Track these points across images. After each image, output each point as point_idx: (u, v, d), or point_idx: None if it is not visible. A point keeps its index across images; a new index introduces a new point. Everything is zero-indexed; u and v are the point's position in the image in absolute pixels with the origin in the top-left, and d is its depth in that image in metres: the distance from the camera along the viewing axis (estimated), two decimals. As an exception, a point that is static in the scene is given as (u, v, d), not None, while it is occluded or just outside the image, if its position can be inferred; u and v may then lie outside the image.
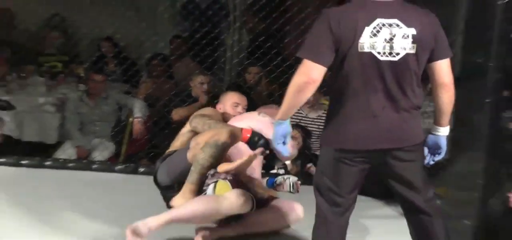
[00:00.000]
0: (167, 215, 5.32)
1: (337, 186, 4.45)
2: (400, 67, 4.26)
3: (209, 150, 5.52)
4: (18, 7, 10.19)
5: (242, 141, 5.70)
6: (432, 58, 4.37)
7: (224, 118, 6.16)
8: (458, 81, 5.64)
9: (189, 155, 5.63)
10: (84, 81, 8.99)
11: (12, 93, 8.91)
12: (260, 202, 5.65)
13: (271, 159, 6.23)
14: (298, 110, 7.90)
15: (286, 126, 4.39)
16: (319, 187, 4.52)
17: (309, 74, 4.16)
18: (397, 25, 4.25)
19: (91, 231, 5.55)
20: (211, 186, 5.52)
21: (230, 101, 6.31)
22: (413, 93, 4.35)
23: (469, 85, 5.51)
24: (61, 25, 10.18)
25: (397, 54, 4.24)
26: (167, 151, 6.03)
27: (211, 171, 5.59)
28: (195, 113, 6.06)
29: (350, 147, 4.35)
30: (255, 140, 5.65)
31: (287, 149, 4.49)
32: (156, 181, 5.89)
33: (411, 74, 4.30)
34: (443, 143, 4.68)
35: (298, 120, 7.84)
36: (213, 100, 8.11)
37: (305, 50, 4.20)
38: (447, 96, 4.53)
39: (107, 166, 7.25)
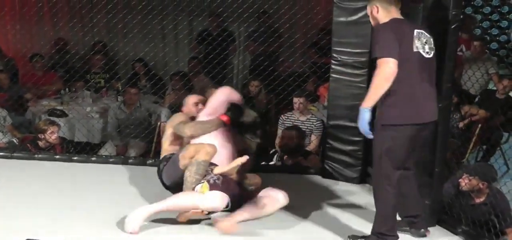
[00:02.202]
0: (160, 205, 5.31)
1: (408, 154, 4.83)
2: (432, 63, 4.79)
3: (193, 168, 5.47)
4: (69, 36, 10.14)
5: (227, 123, 5.81)
6: None
7: (191, 117, 6.06)
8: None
9: (181, 165, 5.58)
10: (121, 94, 8.96)
11: (66, 104, 8.87)
12: (249, 195, 5.57)
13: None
14: (291, 114, 7.88)
15: (370, 114, 4.61)
16: (392, 159, 4.76)
17: (392, 66, 4.49)
18: (423, 33, 4.76)
19: (129, 208, 5.43)
20: (199, 185, 5.43)
21: (191, 102, 6.22)
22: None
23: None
24: (103, 49, 10.13)
25: (429, 53, 4.74)
26: (162, 153, 6.00)
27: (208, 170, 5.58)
28: (175, 124, 5.94)
29: (424, 121, 4.76)
30: (235, 113, 5.84)
31: (369, 132, 4.71)
32: (161, 179, 5.86)
33: (435, 68, 4.85)
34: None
35: (291, 122, 7.80)
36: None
37: (382, 51, 4.53)
38: None
39: (140, 161, 7.18)
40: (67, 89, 9.30)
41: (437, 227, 5.53)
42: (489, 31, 12.23)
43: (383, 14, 4.78)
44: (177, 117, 6.11)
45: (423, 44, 4.71)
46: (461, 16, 5.40)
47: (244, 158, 5.58)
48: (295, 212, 5.70)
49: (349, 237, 5.14)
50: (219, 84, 8.71)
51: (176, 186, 5.65)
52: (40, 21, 10.40)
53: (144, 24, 9.01)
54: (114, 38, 10.43)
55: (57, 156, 7.17)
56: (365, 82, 6.45)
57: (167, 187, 5.81)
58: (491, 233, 5.23)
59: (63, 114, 8.45)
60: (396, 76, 4.54)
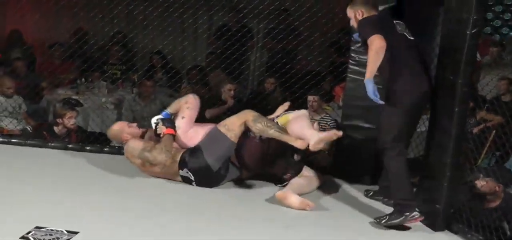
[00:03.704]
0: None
1: (412, 123, 5.57)
2: (415, 44, 5.47)
3: (261, 118, 6.00)
4: (89, 25, 10.14)
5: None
6: None
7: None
8: (434, 93, 5.61)
9: (231, 136, 5.97)
10: (137, 86, 8.97)
11: (81, 93, 8.93)
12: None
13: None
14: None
15: (373, 83, 5.14)
16: (399, 132, 5.38)
17: (380, 40, 5.06)
18: (400, 23, 5.50)
19: (141, 199, 5.55)
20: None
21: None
22: None
23: (442, 97, 5.46)
24: (122, 40, 10.12)
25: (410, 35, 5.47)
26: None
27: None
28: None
29: (425, 89, 5.37)
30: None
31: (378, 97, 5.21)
32: (207, 169, 5.98)
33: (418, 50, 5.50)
34: None
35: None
36: (238, 103, 8.10)
37: (370, 32, 5.12)
38: None
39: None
40: (83, 78, 9.31)
41: (447, 232, 5.50)
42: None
43: (365, 16, 5.44)
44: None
45: (404, 29, 5.45)
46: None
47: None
48: (306, 211, 5.68)
49: (375, 219, 5.44)
50: (235, 80, 8.74)
51: (220, 163, 5.99)
52: (60, 10, 10.39)
53: (164, 17, 8.96)
54: (134, 29, 10.41)
55: (70, 145, 7.18)
56: (381, 83, 6.38)
57: (216, 172, 6.01)
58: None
59: (78, 104, 8.46)
60: (391, 56, 5.22)
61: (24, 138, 7.31)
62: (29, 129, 7.87)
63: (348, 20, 6.65)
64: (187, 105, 6.23)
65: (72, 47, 10.00)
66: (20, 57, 9.64)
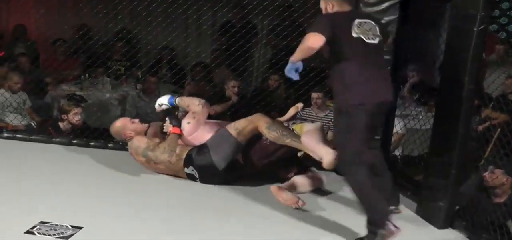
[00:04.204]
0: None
1: (367, 133, 4.96)
2: (377, 48, 5.00)
3: (275, 125, 5.90)
4: (93, 22, 10.13)
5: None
6: None
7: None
8: (439, 91, 5.61)
9: (240, 140, 5.92)
10: (141, 82, 8.97)
11: (85, 89, 8.94)
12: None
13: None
14: (309, 110, 7.84)
15: (294, 64, 4.91)
16: (355, 147, 4.88)
17: (316, 37, 4.73)
18: (367, 22, 5.01)
19: (145, 195, 5.57)
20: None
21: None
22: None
23: (447, 94, 5.46)
24: (126, 36, 10.11)
25: (372, 39, 4.97)
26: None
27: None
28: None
29: (379, 99, 4.92)
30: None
31: (296, 75, 4.95)
32: (213, 168, 5.94)
33: (381, 53, 5.17)
34: None
35: (309, 118, 7.77)
36: (242, 99, 8.10)
37: (313, 28, 4.79)
38: None
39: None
40: (87, 74, 9.30)
41: (450, 230, 5.51)
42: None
43: (336, 9, 5.10)
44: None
45: (365, 31, 4.94)
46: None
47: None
48: (309, 209, 5.69)
49: None
50: (239, 76, 8.73)
51: (226, 164, 5.94)
52: (64, 6, 10.41)
53: (168, 13, 8.96)
54: (137, 26, 10.40)
55: (75, 141, 7.19)
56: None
57: (223, 171, 5.95)
58: (505, 238, 5.17)
59: (82, 100, 8.46)
60: (338, 58, 4.87)
61: (28, 134, 7.31)
62: (33, 124, 7.87)
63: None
64: (196, 115, 6.15)
65: (76, 43, 10.02)
66: (24, 52, 9.65)
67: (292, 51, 8.95)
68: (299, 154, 6.27)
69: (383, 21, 6.33)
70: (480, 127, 8.01)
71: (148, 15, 9.49)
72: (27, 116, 8.24)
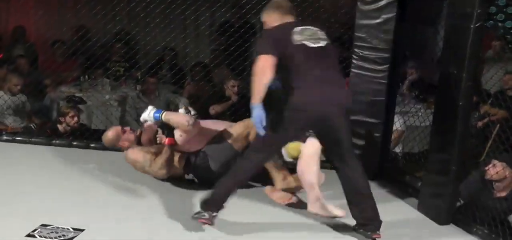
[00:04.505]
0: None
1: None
2: (323, 51, 4.90)
3: None
4: (91, 23, 10.13)
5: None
6: None
7: None
8: (437, 88, 5.63)
9: (237, 147, 5.91)
10: (140, 83, 8.98)
11: (85, 91, 8.93)
12: None
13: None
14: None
15: (261, 109, 4.66)
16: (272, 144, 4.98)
17: (263, 60, 4.64)
18: (309, 28, 4.92)
19: (146, 197, 5.57)
20: (283, 150, 5.80)
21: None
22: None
23: (446, 91, 5.49)
24: (125, 38, 10.11)
25: (317, 42, 4.89)
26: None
27: None
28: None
29: (320, 105, 4.78)
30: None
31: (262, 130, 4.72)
32: (212, 173, 5.91)
33: (331, 55, 4.98)
34: None
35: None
36: (242, 99, 8.12)
37: (258, 50, 4.72)
38: None
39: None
40: (86, 76, 9.31)
41: (452, 226, 5.53)
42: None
43: (278, 23, 5.02)
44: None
45: (308, 36, 4.85)
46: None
47: None
48: (303, 207, 5.71)
49: None
50: (238, 76, 8.74)
51: (224, 170, 5.70)
52: (62, 7, 10.41)
53: (166, 14, 8.97)
54: (136, 27, 10.41)
55: (75, 143, 7.21)
56: (386, 78, 6.46)
57: (216, 173, 5.85)
58: (506, 233, 5.19)
59: (81, 101, 8.48)
60: (283, 69, 4.76)
61: (28, 136, 7.33)
62: (33, 127, 7.89)
63: (352, 14, 6.73)
64: (183, 134, 5.87)
65: (74, 45, 10.03)
66: (22, 54, 9.66)
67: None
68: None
69: (380, 19, 6.40)
70: (480, 123, 8.05)
71: (146, 16, 9.51)
72: (27, 119, 8.25)
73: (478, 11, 5.18)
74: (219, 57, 9.54)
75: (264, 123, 4.66)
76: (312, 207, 5.46)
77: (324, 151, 5.36)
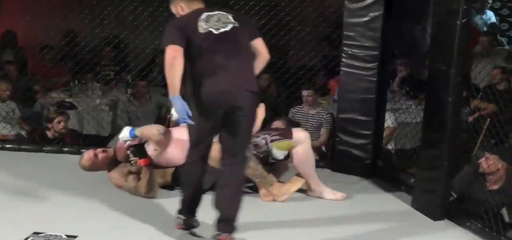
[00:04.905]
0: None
1: (211, 126, 4.77)
2: (231, 36, 4.71)
3: (251, 163, 5.60)
4: (80, 28, 10.13)
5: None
6: (251, 37, 4.83)
7: None
8: (427, 84, 5.67)
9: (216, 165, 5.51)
10: (131, 86, 8.99)
11: (75, 96, 8.91)
12: None
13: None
14: (301, 108, 7.87)
15: (180, 99, 4.54)
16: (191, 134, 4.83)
17: (169, 51, 4.53)
18: (217, 14, 4.74)
19: (137, 201, 5.60)
20: (275, 150, 5.89)
21: None
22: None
23: (435, 88, 5.53)
24: (114, 41, 10.10)
25: (223, 27, 4.71)
26: None
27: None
28: None
29: (217, 89, 4.62)
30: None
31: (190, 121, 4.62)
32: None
33: (238, 39, 4.76)
34: None
35: (301, 116, 7.81)
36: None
37: (164, 41, 4.62)
38: (264, 64, 4.97)
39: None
40: (76, 81, 9.30)
41: (446, 221, 5.55)
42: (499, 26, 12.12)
43: (186, 11, 4.89)
44: None
45: (214, 22, 4.69)
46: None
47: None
48: (304, 206, 5.78)
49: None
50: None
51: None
52: (51, 12, 10.39)
53: (155, 17, 8.98)
54: (124, 30, 10.41)
55: (66, 149, 7.22)
56: (375, 75, 6.50)
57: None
58: (499, 226, 5.23)
59: (72, 106, 8.48)
60: (190, 60, 4.64)
61: (18, 143, 7.33)
62: (23, 133, 7.88)
63: (340, 13, 6.76)
64: (157, 147, 5.86)
65: (63, 50, 10.01)
66: (11, 60, 9.63)
67: (280, 50, 9.09)
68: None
69: (368, 17, 6.43)
70: (470, 118, 8.08)
71: (134, 19, 9.52)
72: (17, 126, 8.23)
73: (464, 7, 5.22)
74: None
75: (190, 113, 4.56)
76: (315, 193, 5.97)
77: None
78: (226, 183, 4.77)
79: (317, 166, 6.46)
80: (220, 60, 4.65)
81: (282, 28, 8.86)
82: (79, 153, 7.01)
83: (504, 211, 5.64)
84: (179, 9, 4.89)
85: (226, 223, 4.76)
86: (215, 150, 5.31)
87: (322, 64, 9.26)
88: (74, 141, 7.73)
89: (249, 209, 5.19)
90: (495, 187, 5.72)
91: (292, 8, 8.58)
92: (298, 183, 5.91)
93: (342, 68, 6.68)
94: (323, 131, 7.83)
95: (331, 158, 7.06)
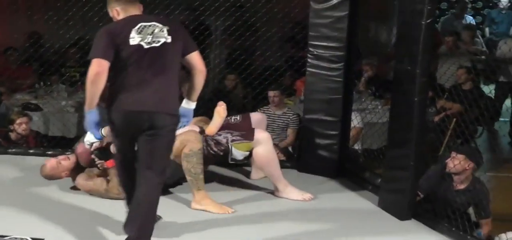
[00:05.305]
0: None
1: (124, 143, 4.77)
2: (160, 51, 4.58)
3: (194, 159, 5.61)
4: (44, 29, 10.06)
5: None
6: (186, 51, 4.71)
7: None
8: (392, 84, 5.72)
9: (178, 161, 5.70)
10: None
11: (40, 97, 8.85)
12: None
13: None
14: (267, 108, 7.89)
15: (95, 114, 4.52)
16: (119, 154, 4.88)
17: (94, 66, 4.42)
18: (152, 25, 4.60)
19: (104, 204, 5.54)
20: (234, 151, 5.88)
21: None
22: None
23: (401, 88, 5.54)
24: (78, 42, 10.04)
25: (154, 43, 4.56)
26: None
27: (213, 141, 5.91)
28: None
29: (134, 108, 4.55)
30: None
31: (100, 133, 4.75)
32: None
33: (167, 56, 4.63)
34: (191, 114, 4.93)
35: (267, 116, 7.80)
36: (199, 101, 8.09)
37: (91, 53, 4.48)
38: (202, 79, 4.84)
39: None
40: (41, 83, 9.24)
41: (413, 221, 5.57)
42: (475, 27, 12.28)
43: (122, 15, 4.74)
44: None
45: (146, 35, 4.56)
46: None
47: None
48: (271, 207, 5.79)
49: None
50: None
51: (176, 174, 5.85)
52: (14, 13, 10.31)
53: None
54: (90, 31, 10.34)
55: (31, 151, 7.15)
56: (341, 76, 6.51)
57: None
58: (466, 226, 5.28)
59: (37, 108, 8.42)
60: (115, 70, 4.52)
61: (-18, 146, 7.28)
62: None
63: (305, 13, 6.78)
64: None
65: (27, 51, 9.95)
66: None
67: (246, 50, 9.10)
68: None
69: (333, 18, 6.46)
70: (436, 118, 8.17)
71: (99, 20, 9.47)
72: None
73: (428, 7, 5.25)
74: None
75: (99, 127, 4.59)
76: (282, 194, 5.96)
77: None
78: (137, 203, 4.66)
79: (284, 167, 6.47)
80: (144, 77, 4.54)
81: (248, 29, 8.88)
82: (45, 155, 6.98)
83: (471, 211, 5.70)
84: (115, 13, 4.75)
85: None
86: (178, 148, 5.52)
87: (288, 65, 9.30)
88: (39, 143, 7.68)
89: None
90: (462, 187, 5.77)
91: (258, 8, 8.59)
92: (221, 210, 5.66)
93: (308, 69, 6.68)
94: (290, 131, 7.84)
95: (298, 158, 7.06)
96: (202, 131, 5.97)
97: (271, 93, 7.87)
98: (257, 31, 9.26)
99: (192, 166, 5.61)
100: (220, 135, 5.93)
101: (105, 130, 5.62)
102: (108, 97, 4.60)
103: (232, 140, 5.89)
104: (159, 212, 4.92)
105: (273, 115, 7.85)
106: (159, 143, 4.61)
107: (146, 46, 4.54)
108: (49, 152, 7.06)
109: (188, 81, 4.88)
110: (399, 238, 5.31)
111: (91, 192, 5.89)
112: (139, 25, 4.58)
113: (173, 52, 4.66)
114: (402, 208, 5.56)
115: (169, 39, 4.62)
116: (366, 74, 9.22)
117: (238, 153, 5.90)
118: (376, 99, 8.67)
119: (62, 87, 9.13)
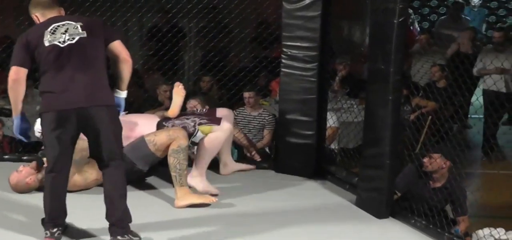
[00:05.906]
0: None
1: (56, 145, 4.68)
2: (78, 48, 4.63)
3: (181, 155, 5.66)
4: (16, 33, 9.97)
5: None
6: (107, 42, 4.74)
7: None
8: (367, 83, 5.75)
9: (159, 155, 5.88)
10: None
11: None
12: None
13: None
14: (243, 109, 7.90)
15: (20, 119, 4.83)
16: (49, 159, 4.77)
17: (12, 73, 4.67)
18: (65, 24, 4.69)
19: (82, 208, 5.44)
20: (199, 134, 5.98)
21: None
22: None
23: (375, 86, 5.57)
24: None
25: (69, 40, 4.62)
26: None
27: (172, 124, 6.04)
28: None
29: (62, 107, 4.60)
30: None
31: (29, 136, 4.96)
32: (138, 171, 6.00)
33: (87, 51, 4.66)
34: (123, 103, 4.98)
35: (243, 117, 7.83)
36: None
37: (12, 60, 4.68)
38: (127, 67, 4.88)
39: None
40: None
41: (390, 219, 5.59)
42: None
43: (41, 20, 4.84)
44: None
45: (61, 34, 4.62)
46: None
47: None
48: (248, 207, 5.77)
49: None
50: (170, 80, 8.76)
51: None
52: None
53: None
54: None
55: (6, 156, 7.09)
56: (315, 76, 6.51)
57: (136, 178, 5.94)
58: (443, 223, 5.32)
59: (11, 113, 8.35)
60: (40, 74, 4.68)
61: (-45, 153, 7.22)
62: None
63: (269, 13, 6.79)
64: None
65: (0, 56, 9.88)
66: None
67: (221, 51, 9.12)
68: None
69: (306, 18, 6.47)
70: (412, 116, 8.22)
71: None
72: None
73: (400, 6, 5.27)
74: (149, 62, 9.51)
75: (27, 131, 4.79)
76: (192, 179, 5.99)
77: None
78: (109, 192, 4.73)
79: (261, 167, 6.49)
80: (68, 75, 4.58)
81: (222, 30, 8.89)
82: (20, 160, 6.92)
83: (448, 208, 5.75)
84: (36, 19, 4.86)
85: (119, 227, 4.72)
86: (161, 138, 5.74)
87: (262, 65, 9.32)
88: (13, 149, 7.64)
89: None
90: (439, 184, 5.81)
91: (231, 9, 8.60)
92: (205, 200, 5.73)
93: (282, 69, 6.68)
94: (266, 132, 7.85)
95: (274, 159, 7.08)
96: (164, 119, 6.12)
97: (246, 94, 7.87)
98: (231, 32, 9.27)
99: (178, 162, 5.65)
100: (188, 118, 6.05)
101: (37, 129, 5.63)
102: (41, 102, 4.72)
103: (199, 123, 5.99)
104: (143, 216, 4.98)
105: (249, 116, 7.86)
106: (106, 136, 4.66)
107: (61, 45, 4.60)
108: (25, 158, 7.00)
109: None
110: (377, 236, 5.32)
111: (74, 188, 5.88)
112: (51, 26, 4.67)
113: (92, 46, 4.68)
114: (379, 206, 5.57)
115: (84, 34, 4.66)
116: (340, 74, 9.25)
117: (200, 136, 5.99)
118: (351, 99, 8.69)
119: (36, 91, 8.99)
